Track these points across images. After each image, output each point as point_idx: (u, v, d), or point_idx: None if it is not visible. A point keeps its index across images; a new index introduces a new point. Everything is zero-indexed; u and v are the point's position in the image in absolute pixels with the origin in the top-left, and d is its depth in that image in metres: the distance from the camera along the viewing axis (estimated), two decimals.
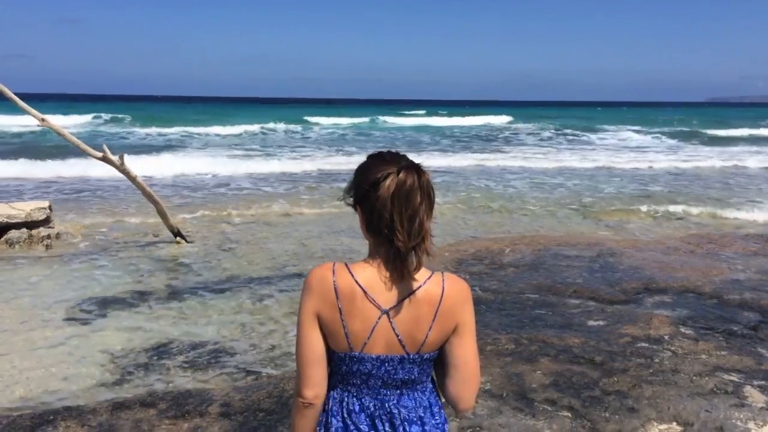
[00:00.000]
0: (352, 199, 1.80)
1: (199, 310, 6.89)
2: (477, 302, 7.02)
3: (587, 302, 7.07)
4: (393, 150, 1.81)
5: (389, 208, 1.66)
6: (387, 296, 1.72)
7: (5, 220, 9.21)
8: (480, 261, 9.09)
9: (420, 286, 1.73)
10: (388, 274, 1.72)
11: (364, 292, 1.71)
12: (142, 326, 6.41)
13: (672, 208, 13.75)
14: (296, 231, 10.76)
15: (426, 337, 1.74)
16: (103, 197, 13.85)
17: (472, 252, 9.59)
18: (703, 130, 46.05)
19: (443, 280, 1.77)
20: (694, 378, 4.90)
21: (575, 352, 5.54)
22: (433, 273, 1.78)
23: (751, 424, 4.16)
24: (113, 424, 4.25)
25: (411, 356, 1.75)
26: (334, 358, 1.79)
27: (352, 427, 1.77)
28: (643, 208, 13.63)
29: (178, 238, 9.74)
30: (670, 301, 7.05)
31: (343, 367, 1.77)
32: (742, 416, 4.27)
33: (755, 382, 4.83)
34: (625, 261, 9.01)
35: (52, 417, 4.35)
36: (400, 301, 1.72)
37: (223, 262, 8.87)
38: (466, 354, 1.80)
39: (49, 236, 9.40)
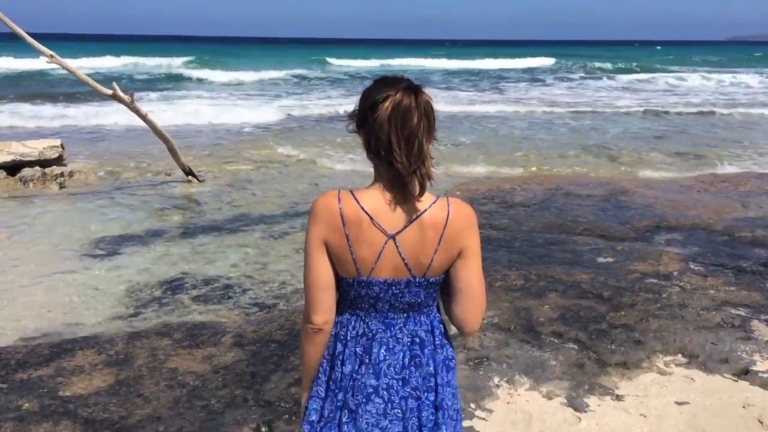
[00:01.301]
0: (354, 124, 1.79)
1: (212, 247, 6.97)
2: (487, 240, 7.06)
3: (597, 240, 7.08)
4: (399, 75, 1.79)
5: (386, 129, 1.65)
6: (393, 221, 1.72)
7: (18, 158, 9.27)
8: (491, 200, 9.09)
9: (425, 210, 1.74)
10: (390, 197, 1.72)
11: (371, 219, 1.72)
12: (157, 262, 6.50)
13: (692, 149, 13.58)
14: (308, 172, 10.77)
15: (431, 261, 1.75)
16: (115, 140, 13.87)
17: (483, 191, 9.58)
18: None
19: (448, 204, 1.77)
20: (701, 312, 4.93)
21: (583, 287, 5.58)
22: (438, 197, 1.78)
23: (756, 357, 4.21)
24: (129, 353, 4.37)
25: (417, 280, 1.76)
26: (342, 284, 1.81)
27: (351, 351, 1.80)
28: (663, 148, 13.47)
29: (190, 177, 9.78)
30: (681, 239, 7.04)
31: (352, 292, 1.80)
32: (747, 349, 4.31)
33: (762, 317, 4.86)
34: (638, 200, 8.97)
35: (70, 346, 4.48)
36: (405, 226, 1.73)
37: (236, 200, 8.92)
38: (471, 278, 1.81)
39: (62, 174, 9.47)
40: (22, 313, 5.19)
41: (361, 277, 1.75)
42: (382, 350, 1.78)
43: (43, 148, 9.52)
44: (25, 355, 4.34)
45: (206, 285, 5.95)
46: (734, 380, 3.93)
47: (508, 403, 3.73)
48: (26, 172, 9.27)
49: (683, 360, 4.22)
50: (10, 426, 3.49)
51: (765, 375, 3.93)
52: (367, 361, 1.78)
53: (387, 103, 1.66)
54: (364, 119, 1.72)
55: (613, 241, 6.98)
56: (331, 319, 1.81)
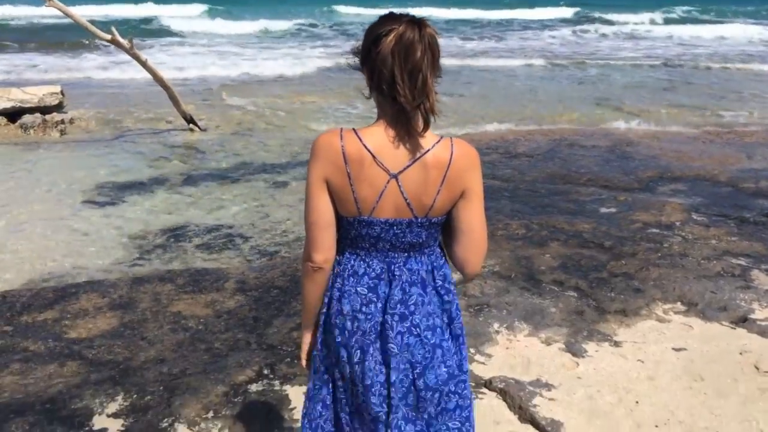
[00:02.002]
0: (357, 60, 1.76)
1: (215, 195, 6.97)
2: (489, 190, 7.02)
3: (600, 190, 7.05)
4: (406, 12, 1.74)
5: (389, 63, 1.62)
6: (395, 160, 1.70)
7: (18, 104, 9.20)
8: (494, 150, 9.02)
9: (428, 150, 1.71)
10: (394, 134, 1.69)
11: (373, 157, 1.69)
12: (159, 210, 6.51)
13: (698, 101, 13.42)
14: (310, 118, 10.67)
15: (434, 201, 1.73)
16: (115, 88, 13.73)
17: (486, 141, 9.50)
18: None
19: (452, 144, 1.74)
20: (702, 261, 4.95)
21: (585, 237, 5.58)
22: (441, 137, 1.76)
23: (755, 305, 4.23)
24: (133, 297, 4.41)
25: (419, 220, 1.75)
26: (343, 223, 1.80)
27: (352, 290, 1.80)
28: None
29: (191, 125, 9.71)
30: (684, 189, 7.01)
31: (352, 231, 1.79)
32: (746, 297, 4.34)
33: (763, 266, 4.87)
34: (642, 151, 8.90)
35: (74, 290, 4.52)
36: (408, 165, 1.71)
37: (238, 148, 8.87)
38: (473, 219, 1.80)
39: (62, 121, 9.41)
40: (26, 257, 5.23)
41: (362, 216, 1.74)
42: (384, 288, 1.79)
43: (43, 95, 9.43)
44: (30, 298, 4.38)
45: (208, 233, 5.96)
46: (732, 328, 3.96)
47: (507, 348, 3.78)
48: (26, 118, 9.21)
49: (682, 308, 4.25)
50: (18, 367, 3.55)
51: (763, 323, 3.96)
52: (374, 299, 1.78)
53: (390, 37, 1.62)
54: (367, 54, 1.68)
55: (616, 192, 6.96)
56: (331, 257, 1.81)
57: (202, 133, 9.65)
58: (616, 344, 3.79)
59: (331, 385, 1.88)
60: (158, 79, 9.47)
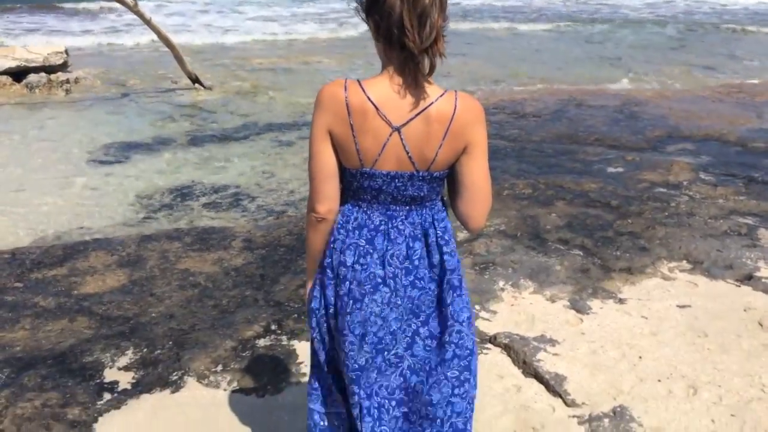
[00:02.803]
0: (363, 12, 1.73)
1: (221, 155, 6.96)
2: (496, 149, 7.00)
3: (608, 150, 7.01)
4: None
5: (398, 8, 1.59)
6: (399, 113, 1.69)
7: (23, 63, 9.16)
8: (501, 110, 8.96)
9: (432, 103, 1.70)
10: (400, 82, 1.68)
11: (376, 109, 1.68)
12: (165, 169, 6.52)
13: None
14: (315, 77, 10.60)
15: (436, 155, 1.72)
16: (119, 50, 13.63)
17: (494, 101, 9.43)
18: None
19: (456, 98, 1.72)
20: (709, 221, 4.94)
21: (592, 196, 5.57)
22: (446, 90, 1.74)
23: (761, 263, 4.23)
24: (141, 255, 4.45)
25: (421, 173, 1.75)
26: (345, 175, 1.80)
27: (353, 241, 1.81)
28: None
29: (196, 85, 9.66)
30: (693, 149, 6.96)
31: (354, 183, 1.78)
32: (752, 255, 4.34)
33: None
34: (651, 110, 8.82)
35: (82, 248, 4.56)
36: (411, 119, 1.69)
37: (243, 108, 8.83)
38: (476, 174, 1.79)
39: (68, 81, 9.38)
40: (34, 216, 5.26)
41: (365, 168, 1.74)
42: (385, 241, 1.79)
43: (48, 54, 9.37)
44: (39, 255, 4.42)
45: (215, 192, 5.98)
46: (737, 285, 3.97)
47: (512, 305, 3.80)
48: (32, 78, 9.18)
49: (687, 266, 4.26)
50: (29, 322, 3.60)
51: None
52: (371, 251, 1.79)
53: None
54: (373, 2, 1.66)
55: (624, 151, 6.92)
56: (334, 208, 1.81)
57: (208, 93, 9.60)
58: (621, 301, 3.81)
59: (327, 338, 1.90)
60: (163, 38, 9.39)
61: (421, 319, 1.81)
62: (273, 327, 3.57)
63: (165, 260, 4.40)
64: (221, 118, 8.37)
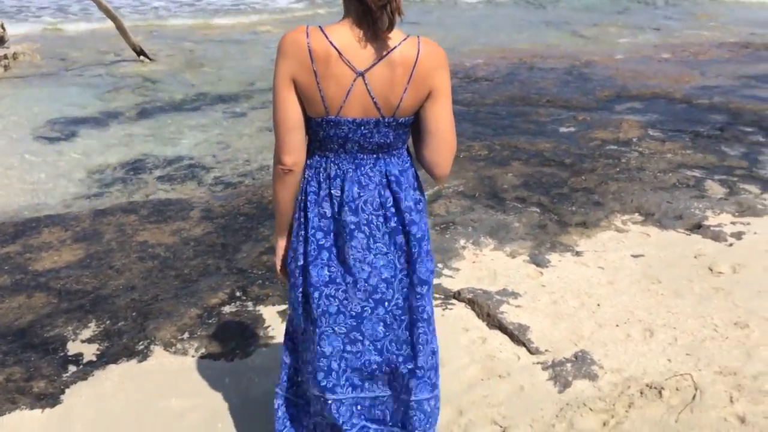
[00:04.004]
0: None
1: (172, 128, 6.82)
2: None
3: (559, 111, 7.13)
4: None
5: None
6: (362, 58, 1.68)
7: None
8: (454, 75, 8.89)
9: (395, 48, 1.70)
10: (359, 33, 1.67)
11: (339, 54, 1.67)
12: (115, 143, 6.36)
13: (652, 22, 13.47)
14: (265, 48, 10.42)
15: (400, 101, 1.73)
16: (53, 15, 13.12)
17: None
18: None
19: (419, 43, 1.73)
20: (658, 174, 5.09)
21: (546, 155, 5.67)
22: (408, 36, 1.74)
23: (708, 212, 4.39)
24: (97, 229, 4.35)
25: (386, 119, 1.75)
26: (311, 125, 1.78)
27: (324, 192, 1.81)
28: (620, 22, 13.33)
29: (141, 57, 9.39)
30: (641, 107, 7.13)
31: (321, 132, 1.78)
32: (701, 206, 4.50)
33: (716, 177, 5.04)
34: (600, 71, 8.98)
35: (34, 224, 4.43)
36: (375, 63, 1.69)
37: (191, 79, 8.64)
38: (440, 119, 1.80)
39: (6, 57, 9.00)
40: None
41: (330, 116, 1.73)
42: (355, 188, 1.79)
43: None
44: None
45: (169, 165, 5.87)
46: (687, 234, 4.12)
47: (473, 262, 3.87)
48: None
49: (640, 218, 4.39)
50: None
51: (716, 228, 4.13)
52: (343, 200, 1.80)
53: None
54: None
55: (575, 111, 7.04)
56: (300, 159, 1.80)
57: (153, 65, 9.36)
58: (578, 254, 3.91)
59: (306, 296, 1.90)
60: (104, 9, 9.07)
61: (409, 268, 1.84)
62: (238, 294, 3.56)
63: (122, 233, 4.32)
64: (169, 90, 8.18)
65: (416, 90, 1.73)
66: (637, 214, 4.47)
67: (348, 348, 1.87)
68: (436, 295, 3.44)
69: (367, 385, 1.92)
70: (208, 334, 3.19)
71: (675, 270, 3.64)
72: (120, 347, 3.09)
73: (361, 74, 1.69)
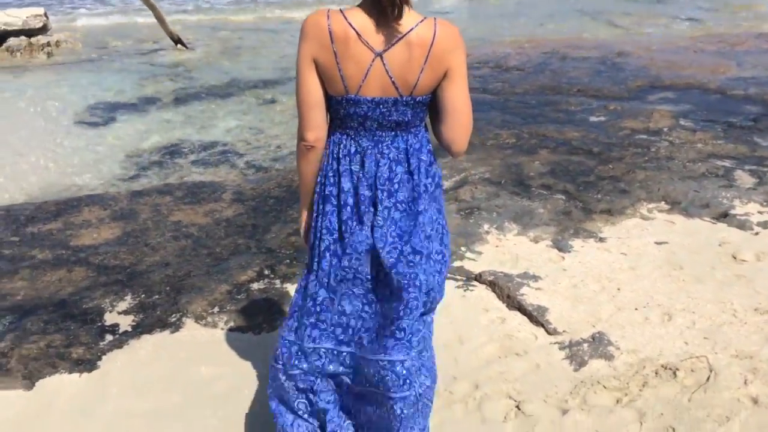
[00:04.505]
0: None
1: (207, 113, 7.00)
2: (480, 102, 7.08)
3: (590, 100, 7.10)
4: None
5: None
6: (380, 39, 1.77)
7: (3, 27, 9.06)
8: (485, 64, 9.00)
9: (412, 29, 1.78)
10: (375, 16, 1.76)
11: (358, 35, 1.76)
12: (152, 128, 6.56)
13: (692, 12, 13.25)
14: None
15: (418, 80, 1.81)
16: (98, 16, 13.44)
17: (477, 56, 9.45)
18: None
19: (435, 24, 1.80)
20: (687, 164, 5.07)
21: (574, 144, 5.68)
22: (425, 17, 1.81)
23: (736, 202, 4.38)
24: (133, 209, 4.53)
25: (404, 98, 1.83)
26: (332, 104, 1.88)
27: (345, 167, 1.90)
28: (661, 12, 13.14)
29: (178, 45, 9.60)
30: (674, 97, 7.07)
31: (341, 111, 1.87)
32: (728, 195, 4.48)
33: (746, 167, 5.00)
34: (633, 61, 8.90)
35: (75, 203, 4.62)
36: (392, 44, 1.77)
37: (226, 67, 8.82)
38: (457, 98, 1.88)
39: (48, 44, 9.29)
40: (25, 175, 5.32)
41: (350, 95, 1.82)
42: (373, 164, 1.89)
43: (27, 17, 9.26)
44: (33, 211, 4.49)
45: (203, 150, 6.04)
46: (713, 223, 4.12)
47: (496, 246, 3.93)
48: (12, 41, 9.09)
49: (666, 206, 4.40)
50: (27, 273, 3.69)
51: (743, 217, 4.12)
52: (362, 175, 1.89)
53: None
54: None
55: (606, 101, 7.01)
56: (322, 136, 1.90)
57: (190, 53, 9.56)
58: (601, 240, 3.95)
59: (325, 263, 1.99)
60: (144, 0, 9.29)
61: (404, 239, 1.92)
62: (266, 272, 3.68)
63: (157, 213, 4.48)
64: (205, 77, 8.37)
65: (433, 70, 1.81)
66: (663, 202, 4.47)
67: (366, 309, 1.96)
68: (458, 277, 3.52)
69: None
70: (236, 308, 3.32)
71: (698, 257, 3.65)
72: (154, 319, 3.24)
73: (380, 55, 1.77)
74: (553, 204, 4.49)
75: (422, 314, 2.01)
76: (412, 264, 1.90)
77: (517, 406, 2.52)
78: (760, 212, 4.21)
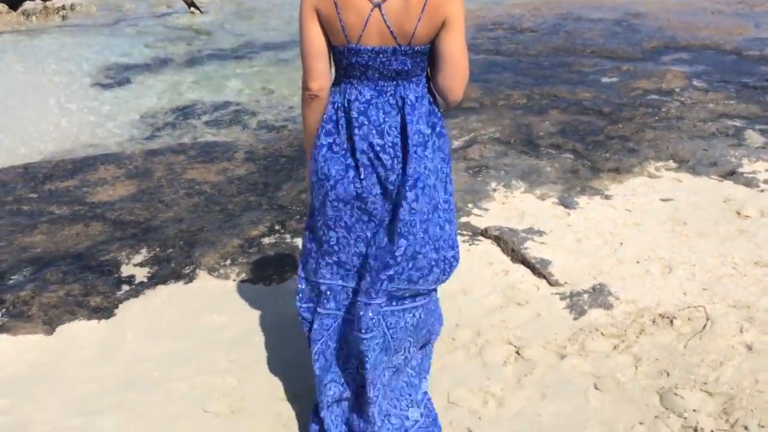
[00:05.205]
0: None
1: (220, 75, 7.05)
2: (492, 63, 7.07)
3: (603, 61, 7.06)
4: None
5: None
6: None
7: None
8: (499, 26, 8.93)
9: None
10: None
11: None
12: (166, 89, 6.63)
13: None
14: None
15: (415, 29, 1.86)
16: None
17: (492, 17, 9.38)
18: None
19: None
20: (698, 123, 5.06)
21: (585, 104, 5.68)
22: None
23: (744, 160, 4.38)
24: (148, 167, 4.62)
25: (402, 48, 1.88)
26: (335, 54, 1.94)
27: (351, 116, 1.97)
28: None
29: (192, 8, 9.62)
30: (688, 58, 7.01)
31: (344, 60, 1.93)
32: (737, 154, 4.48)
33: (757, 127, 4.99)
34: (649, 22, 8.79)
35: (91, 162, 4.73)
36: None
37: (240, 29, 8.84)
38: (453, 47, 1.92)
39: (63, 7, 9.34)
40: (42, 134, 5.43)
41: (350, 44, 1.88)
42: (381, 113, 1.95)
43: None
44: (50, 170, 4.60)
45: (216, 110, 6.10)
46: (719, 180, 4.14)
47: (503, 203, 3.99)
48: (28, 5, 9.15)
49: (673, 165, 4.42)
50: (46, 227, 3.81)
51: (750, 175, 4.13)
52: (366, 123, 1.95)
53: None
54: None
55: (620, 62, 6.97)
56: (326, 85, 1.96)
57: (203, 16, 9.57)
58: (607, 197, 3.99)
59: (327, 209, 2.07)
60: None
61: (409, 183, 1.98)
62: (277, 227, 3.77)
63: (171, 171, 4.58)
64: (218, 39, 8.40)
65: (430, 19, 1.85)
66: (671, 161, 4.49)
67: (370, 251, 2.05)
68: (464, 232, 3.58)
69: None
70: (248, 261, 3.42)
71: (702, 213, 3.69)
72: (168, 271, 3.35)
73: (378, 5, 1.82)
74: (561, 163, 4.53)
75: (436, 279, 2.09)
76: (413, 212, 1.97)
77: (517, 352, 2.61)
78: (767, 170, 4.22)
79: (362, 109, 1.96)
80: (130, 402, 2.41)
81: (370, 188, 1.99)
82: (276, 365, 2.64)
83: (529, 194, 4.10)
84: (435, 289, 2.17)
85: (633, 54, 7.25)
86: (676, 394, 2.29)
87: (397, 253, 1.98)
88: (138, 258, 3.48)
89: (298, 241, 3.62)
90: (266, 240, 3.64)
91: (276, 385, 2.52)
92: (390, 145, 1.97)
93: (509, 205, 3.95)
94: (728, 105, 5.46)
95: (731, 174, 4.20)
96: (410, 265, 2.01)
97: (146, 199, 4.16)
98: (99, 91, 6.52)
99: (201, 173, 4.55)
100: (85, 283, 3.22)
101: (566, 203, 3.93)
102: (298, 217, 3.89)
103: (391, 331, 2.09)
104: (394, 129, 1.96)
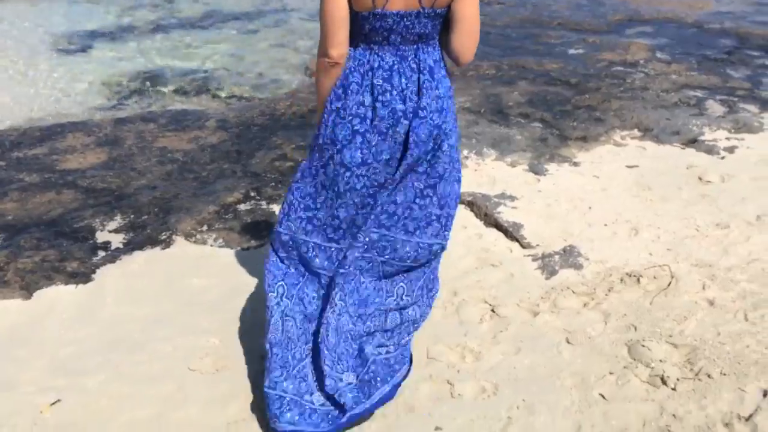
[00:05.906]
0: None
1: (187, 42, 6.95)
2: None
3: (570, 33, 7.17)
4: None
5: None
6: None
7: None
8: None
9: None
10: None
11: None
12: (132, 57, 6.52)
13: None
14: None
15: None
16: None
17: None
18: None
19: None
20: (661, 94, 5.21)
21: (552, 75, 5.78)
22: None
23: (705, 129, 4.54)
24: (118, 135, 4.57)
25: (426, 10, 1.94)
26: (357, 19, 1.95)
27: (367, 82, 2.01)
28: None
29: None
30: (651, 31, 7.16)
31: (367, 26, 1.96)
32: (699, 123, 4.64)
33: (718, 97, 5.15)
34: None
35: (59, 130, 4.66)
36: None
37: None
38: (469, 9, 1.99)
39: None
40: (6, 104, 5.30)
41: (377, 9, 1.91)
42: (403, 79, 2.00)
43: None
44: (18, 137, 4.52)
45: (184, 77, 6.04)
46: (682, 148, 4.29)
47: (475, 170, 4.07)
48: None
49: (638, 133, 4.55)
50: (17, 195, 3.76)
51: (711, 143, 4.29)
52: (389, 89, 2.00)
53: None
54: None
55: (585, 34, 7.08)
56: (345, 52, 1.98)
57: None
58: (575, 164, 4.10)
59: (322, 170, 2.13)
60: None
61: (430, 146, 2.08)
62: (252, 194, 3.79)
63: (142, 140, 4.54)
64: (184, 7, 8.26)
65: None
66: (636, 129, 4.62)
67: (360, 212, 2.13)
68: None
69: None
70: (225, 227, 3.44)
71: (666, 178, 3.83)
72: (144, 237, 3.35)
73: None
74: (531, 131, 4.62)
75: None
76: (427, 190, 2.08)
77: (492, 310, 2.70)
78: (727, 138, 4.39)
79: (386, 76, 2.01)
80: (114, 361, 2.44)
81: (378, 155, 2.05)
82: (256, 325, 2.68)
83: (500, 162, 4.18)
84: (429, 263, 2.26)
85: (598, 26, 7.37)
86: (643, 346, 2.41)
87: (398, 200, 2.07)
88: (112, 225, 3.46)
89: (275, 208, 3.65)
90: (242, 206, 3.66)
91: (258, 344, 2.57)
92: (411, 110, 2.03)
93: (481, 172, 4.03)
94: (690, 76, 5.62)
95: (693, 142, 4.35)
96: (406, 214, 2.08)
97: (118, 167, 4.13)
98: (63, 59, 6.38)
99: (172, 141, 4.52)
100: (60, 249, 3.20)
101: (536, 170, 4.02)
102: (273, 184, 3.91)
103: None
104: (414, 95, 2.02)
